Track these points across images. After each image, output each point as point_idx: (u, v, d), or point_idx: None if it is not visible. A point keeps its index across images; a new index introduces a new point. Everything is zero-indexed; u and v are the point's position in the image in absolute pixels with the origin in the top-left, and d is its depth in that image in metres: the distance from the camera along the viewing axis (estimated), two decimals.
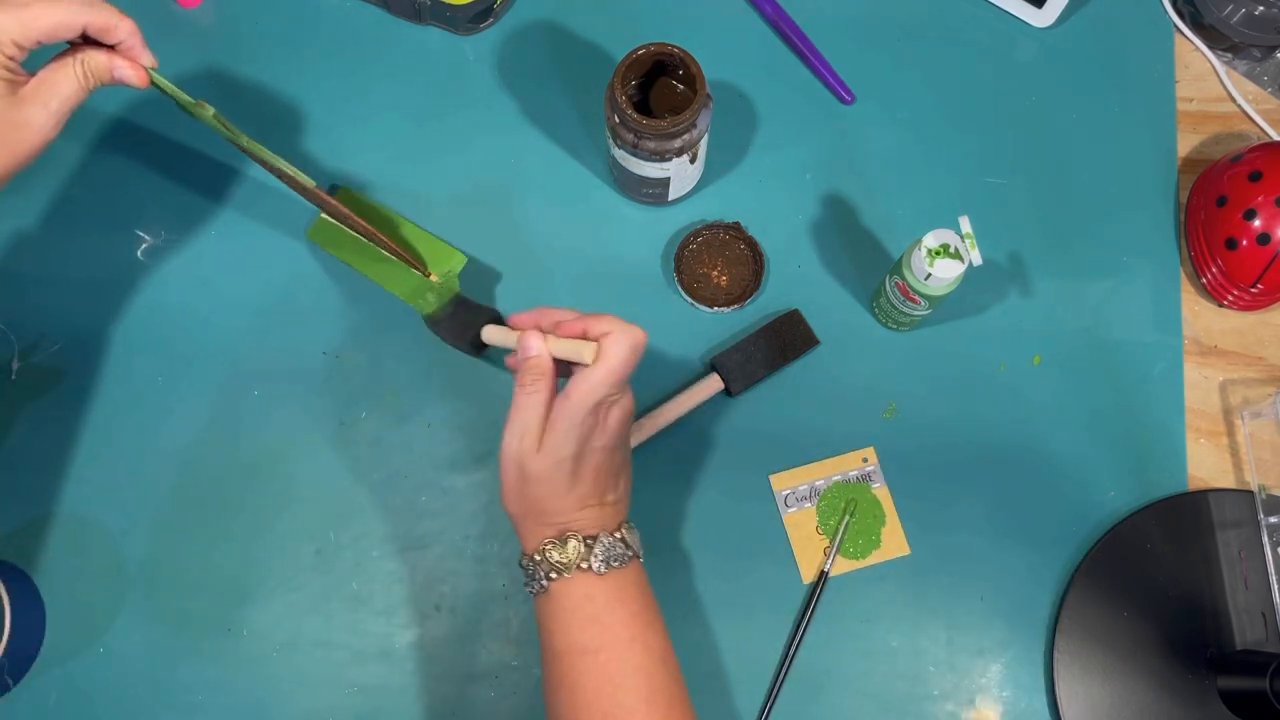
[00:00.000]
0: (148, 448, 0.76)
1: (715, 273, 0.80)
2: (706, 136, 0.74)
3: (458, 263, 0.78)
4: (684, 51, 0.71)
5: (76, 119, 0.83)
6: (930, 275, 0.69)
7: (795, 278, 0.81)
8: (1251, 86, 0.86)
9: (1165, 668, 0.72)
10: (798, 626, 0.73)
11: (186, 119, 0.83)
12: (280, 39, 0.85)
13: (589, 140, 0.83)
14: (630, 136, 0.71)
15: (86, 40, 0.61)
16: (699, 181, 0.81)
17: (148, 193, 0.82)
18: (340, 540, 0.75)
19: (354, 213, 0.72)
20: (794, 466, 0.76)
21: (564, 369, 0.63)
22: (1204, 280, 0.79)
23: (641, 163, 0.73)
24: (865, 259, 0.81)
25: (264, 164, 0.69)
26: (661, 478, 0.76)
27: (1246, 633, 0.72)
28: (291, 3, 0.86)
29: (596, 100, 0.82)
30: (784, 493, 0.76)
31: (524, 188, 0.82)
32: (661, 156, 0.72)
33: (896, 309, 0.75)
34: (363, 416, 0.77)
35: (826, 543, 0.75)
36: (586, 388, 0.59)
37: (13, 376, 0.77)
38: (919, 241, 0.69)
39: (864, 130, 0.84)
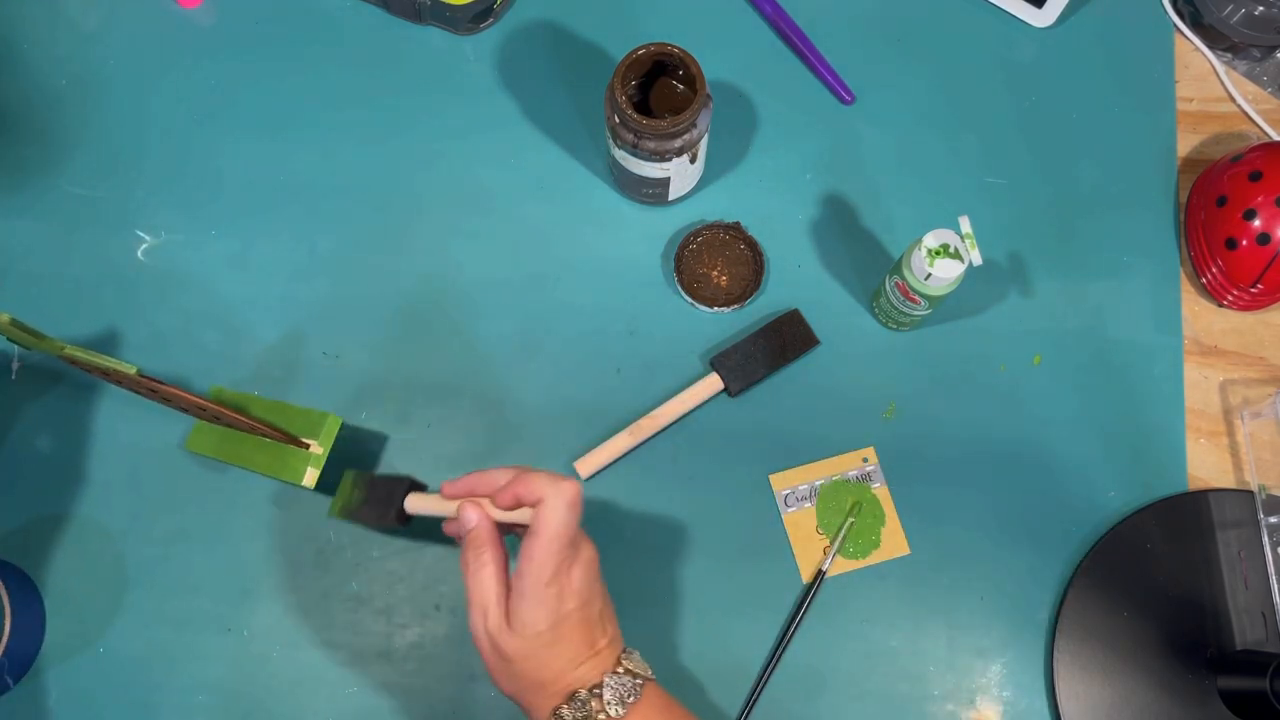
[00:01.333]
0: (148, 447, 0.76)
1: (715, 273, 0.80)
2: (706, 136, 0.74)
3: (333, 424, 0.72)
4: (684, 51, 0.71)
5: (76, 118, 0.83)
6: (930, 275, 0.69)
7: (795, 278, 0.81)
8: (1251, 86, 0.86)
9: (1165, 668, 0.72)
10: (789, 625, 0.73)
11: (189, 112, 0.84)
12: (280, 39, 0.85)
13: (589, 140, 0.83)
14: (630, 136, 0.71)
15: None
16: (699, 181, 0.81)
17: (148, 193, 0.82)
18: (340, 540, 0.75)
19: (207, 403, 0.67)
20: (794, 466, 0.76)
21: (507, 527, 0.61)
22: (1204, 280, 0.79)
23: (641, 163, 0.73)
24: (865, 259, 0.81)
25: (82, 366, 0.63)
26: (661, 477, 0.76)
27: (1246, 633, 0.72)
28: (291, 3, 0.86)
29: (596, 100, 0.82)
30: (784, 492, 0.76)
31: (524, 187, 0.82)
32: (661, 156, 0.72)
33: (896, 309, 0.75)
34: (363, 417, 0.77)
35: (826, 542, 0.75)
36: (536, 564, 0.56)
37: (13, 376, 0.77)
38: (919, 241, 0.69)
39: (864, 130, 0.84)
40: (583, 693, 0.57)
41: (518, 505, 0.59)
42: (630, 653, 0.60)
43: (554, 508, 0.57)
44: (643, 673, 0.59)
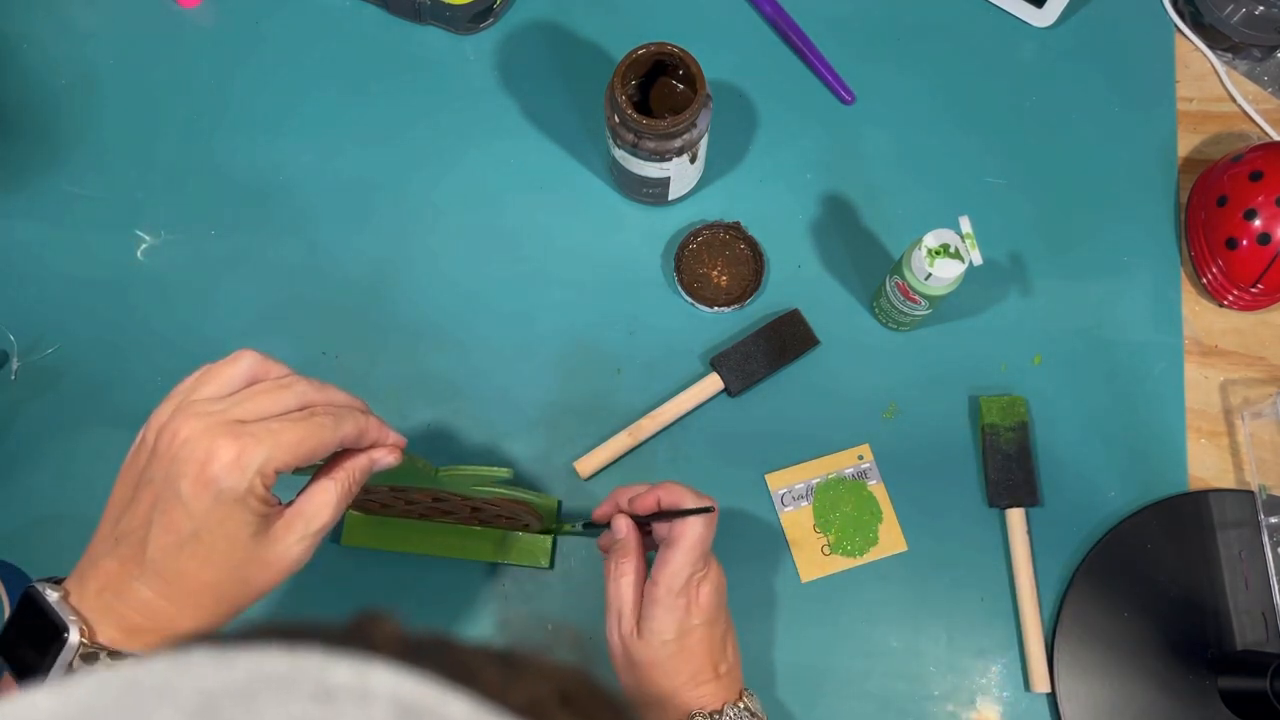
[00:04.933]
0: None
1: (715, 273, 0.80)
2: (706, 136, 0.74)
3: (552, 501, 0.72)
4: (684, 51, 0.71)
5: (76, 118, 0.83)
6: (930, 275, 0.69)
7: (795, 278, 0.80)
8: (1252, 86, 0.86)
9: (1165, 668, 0.71)
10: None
11: (188, 111, 0.84)
12: (280, 39, 0.85)
13: (589, 140, 0.83)
14: (630, 136, 0.71)
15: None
16: (699, 181, 0.81)
17: (148, 193, 0.82)
18: (340, 540, 0.75)
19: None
20: (790, 465, 0.76)
21: (650, 543, 0.64)
22: (1204, 280, 0.79)
23: (641, 163, 0.73)
24: (865, 259, 0.81)
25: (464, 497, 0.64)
26: (661, 477, 0.75)
27: (1247, 633, 0.72)
28: (291, 3, 0.86)
29: (596, 100, 0.82)
30: (780, 491, 0.76)
31: (524, 188, 0.82)
32: (661, 156, 0.72)
33: (896, 309, 0.75)
34: None
35: (824, 541, 0.75)
36: (670, 571, 0.59)
37: (13, 376, 0.77)
38: (919, 241, 0.69)
39: (864, 130, 0.84)
40: (701, 716, 0.59)
41: (656, 510, 0.62)
42: (751, 694, 0.62)
43: (692, 520, 0.59)
44: (760, 716, 0.61)
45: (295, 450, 0.46)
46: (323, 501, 0.50)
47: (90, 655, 0.46)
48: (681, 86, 0.76)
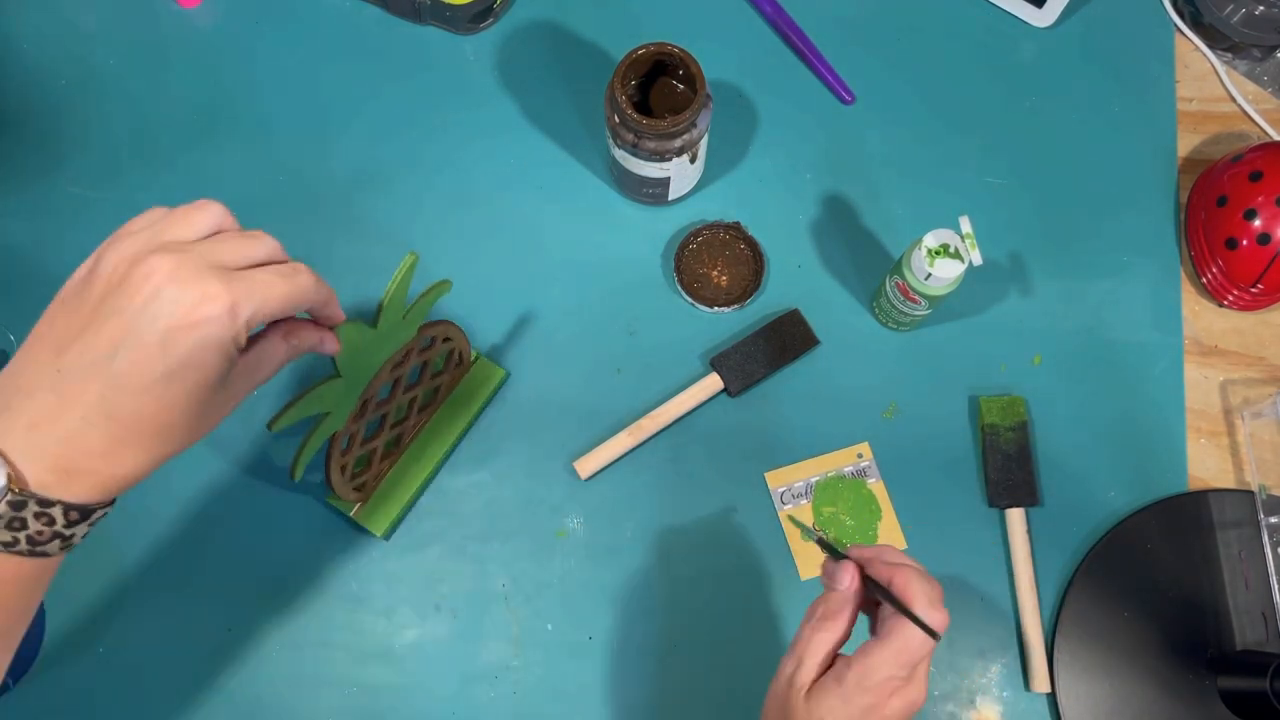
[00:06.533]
0: None
1: (715, 273, 0.80)
2: (706, 136, 0.74)
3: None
4: (684, 51, 0.71)
5: (76, 118, 0.84)
6: (930, 275, 0.69)
7: (795, 278, 0.81)
8: (1251, 86, 0.86)
9: (1165, 668, 0.72)
10: None
11: (189, 111, 0.84)
12: (279, 39, 0.85)
13: (589, 140, 0.83)
14: (630, 136, 0.71)
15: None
16: (699, 181, 0.81)
17: (148, 193, 0.82)
18: (340, 540, 0.75)
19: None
20: (790, 464, 0.76)
21: (869, 607, 0.57)
22: (1204, 280, 0.79)
23: (641, 163, 0.73)
24: (865, 259, 0.81)
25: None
26: (661, 477, 0.76)
27: (1247, 633, 0.72)
28: (291, 3, 0.86)
29: (596, 100, 0.82)
30: (779, 490, 0.76)
31: (524, 188, 0.82)
32: (661, 156, 0.72)
33: (896, 309, 0.75)
34: None
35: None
36: (869, 663, 0.53)
37: None
38: (919, 241, 0.69)
39: (864, 130, 0.84)
40: None
41: (885, 588, 0.55)
42: None
43: (915, 631, 0.52)
44: None
45: (281, 304, 0.47)
46: (273, 357, 0.50)
47: (18, 503, 0.42)
48: (681, 86, 0.76)
